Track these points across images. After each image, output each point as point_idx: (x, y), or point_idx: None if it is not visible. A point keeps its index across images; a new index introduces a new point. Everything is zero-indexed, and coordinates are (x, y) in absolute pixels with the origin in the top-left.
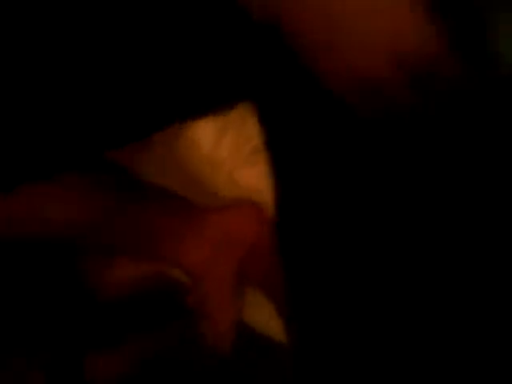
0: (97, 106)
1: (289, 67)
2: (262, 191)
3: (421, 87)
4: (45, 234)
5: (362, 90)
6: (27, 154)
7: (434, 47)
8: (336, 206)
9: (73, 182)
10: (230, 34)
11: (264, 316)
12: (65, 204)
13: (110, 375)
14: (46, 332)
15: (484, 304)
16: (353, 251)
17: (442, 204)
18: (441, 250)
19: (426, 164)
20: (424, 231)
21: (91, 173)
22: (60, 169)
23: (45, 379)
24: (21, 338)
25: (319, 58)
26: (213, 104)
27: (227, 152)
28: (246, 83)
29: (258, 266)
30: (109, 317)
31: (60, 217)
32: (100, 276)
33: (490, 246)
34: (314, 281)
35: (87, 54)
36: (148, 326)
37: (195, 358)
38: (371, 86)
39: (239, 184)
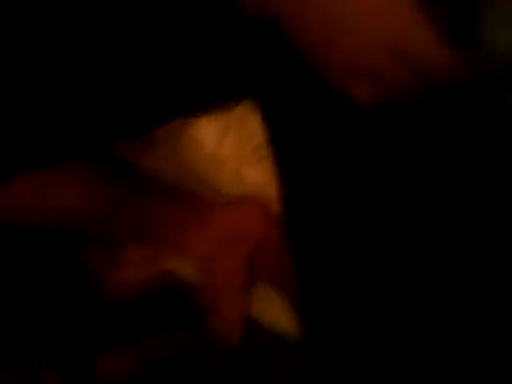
0: (101, 97)
1: (290, 64)
2: (267, 188)
3: (420, 77)
4: (46, 222)
5: (363, 84)
6: (28, 141)
7: (433, 43)
8: (340, 200)
9: (75, 171)
10: (232, 31)
11: (274, 311)
12: (66, 192)
13: (121, 375)
14: (57, 332)
15: (485, 299)
16: (359, 242)
17: (443, 193)
18: (446, 230)
19: (427, 157)
20: (429, 221)
21: (95, 163)
22: (62, 157)
23: (60, 379)
24: (34, 337)
25: (319, 55)
26: (215, 100)
27: (230, 150)
28: (248, 80)
29: (266, 261)
30: (118, 317)
31: (61, 204)
32: (109, 276)
33: (490, 242)
34: (323, 273)
35: (94, 45)
36: (157, 326)
37: (204, 358)
38: (372, 80)
39: (244, 181)
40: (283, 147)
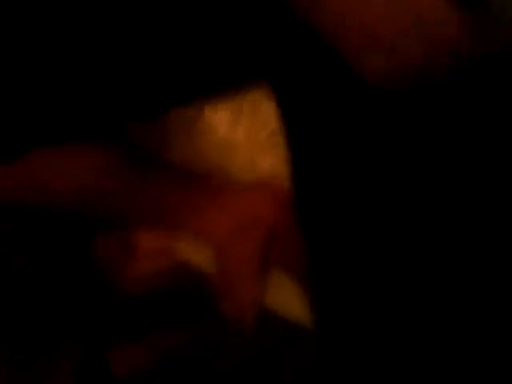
0: (116, 78)
1: (305, 45)
2: (280, 174)
3: (437, 49)
4: (59, 201)
5: (377, 58)
6: (42, 118)
7: (442, 6)
8: (353, 187)
9: (90, 152)
10: (246, 13)
11: (287, 297)
12: (81, 172)
13: (135, 368)
14: (72, 322)
15: (486, 299)
16: (372, 228)
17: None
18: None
19: (436, 140)
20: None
21: (110, 146)
22: (75, 137)
23: (74, 368)
24: (48, 326)
25: (336, 27)
26: (229, 82)
27: (244, 136)
28: (263, 63)
29: (279, 248)
30: (133, 311)
31: (75, 184)
32: (123, 269)
33: (493, 237)
34: (335, 259)
35: (112, 27)
36: (172, 318)
37: (219, 347)
38: (386, 54)
39: (257, 168)
40: (297, 134)
